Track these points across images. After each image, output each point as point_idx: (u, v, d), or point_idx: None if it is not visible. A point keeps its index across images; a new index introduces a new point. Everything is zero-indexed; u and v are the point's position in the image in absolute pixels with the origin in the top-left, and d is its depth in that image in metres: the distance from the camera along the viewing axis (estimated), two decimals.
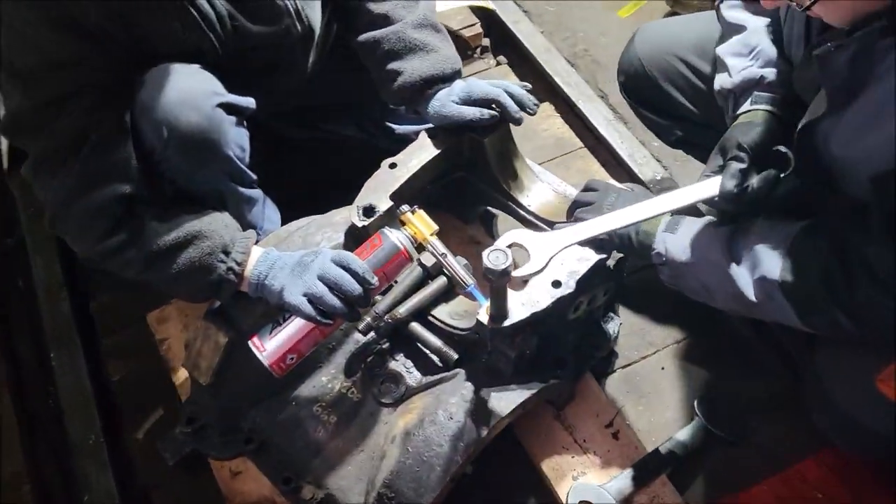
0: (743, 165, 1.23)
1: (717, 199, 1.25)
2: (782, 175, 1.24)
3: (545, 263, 1.26)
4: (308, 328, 1.33)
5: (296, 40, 1.51)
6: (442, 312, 1.48)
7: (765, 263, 1.23)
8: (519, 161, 1.66)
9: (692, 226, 1.34)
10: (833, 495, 1.49)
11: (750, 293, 1.25)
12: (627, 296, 1.76)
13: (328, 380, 1.49)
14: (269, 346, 1.32)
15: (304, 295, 1.29)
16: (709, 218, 1.38)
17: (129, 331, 1.84)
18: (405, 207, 1.45)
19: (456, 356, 1.43)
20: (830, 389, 1.27)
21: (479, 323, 1.33)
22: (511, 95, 1.52)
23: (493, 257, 1.19)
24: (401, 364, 1.48)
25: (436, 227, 1.43)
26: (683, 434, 1.55)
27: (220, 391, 1.48)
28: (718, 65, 1.44)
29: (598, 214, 1.42)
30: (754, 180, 1.23)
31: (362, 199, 1.50)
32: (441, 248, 1.42)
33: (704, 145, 1.63)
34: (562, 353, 1.50)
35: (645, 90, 1.67)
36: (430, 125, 1.60)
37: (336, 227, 1.53)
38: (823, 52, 1.11)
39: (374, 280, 1.33)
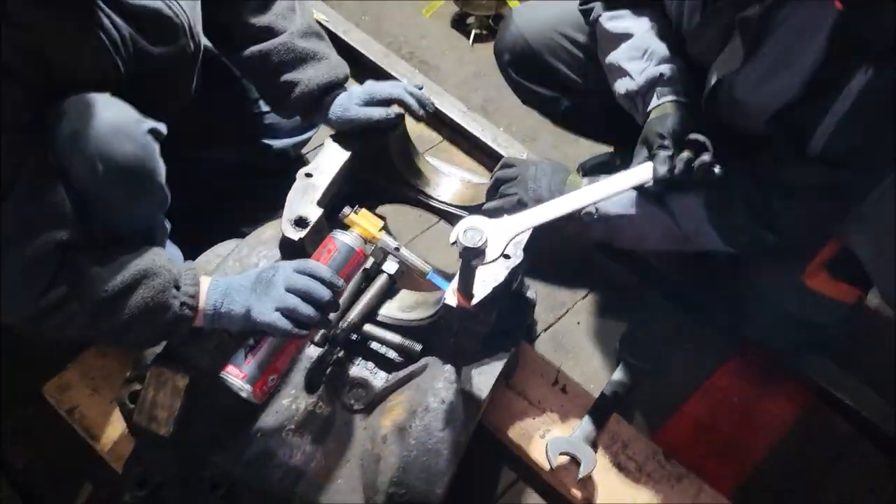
0: (669, 152, 1.38)
1: (650, 183, 1.39)
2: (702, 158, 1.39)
3: (503, 248, 1.33)
4: (284, 344, 1.29)
5: (189, 60, 1.44)
6: (391, 310, 1.49)
7: (690, 204, 1.42)
8: (419, 158, 1.72)
9: (614, 179, 1.49)
10: (744, 395, 1.73)
11: (683, 231, 1.44)
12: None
13: (290, 401, 1.43)
14: (249, 371, 1.26)
15: (277, 310, 1.24)
16: (627, 171, 1.55)
17: (23, 409, 1.62)
18: (347, 210, 1.45)
19: (420, 347, 1.45)
20: (763, 298, 1.51)
21: (446, 307, 1.37)
22: (411, 94, 1.59)
23: (470, 235, 1.23)
24: (362, 368, 1.47)
25: (381, 223, 1.44)
26: (617, 375, 1.71)
27: (181, 440, 1.37)
28: (615, 71, 1.56)
29: (524, 188, 1.52)
30: (679, 163, 1.38)
31: (291, 211, 1.47)
32: (392, 242, 1.44)
33: (588, 113, 1.82)
34: (504, 325, 1.58)
35: (532, 66, 1.80)
36: (332, 132, 1.61)
37: (268, 245, 1.48)
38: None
39: (341, 282, 1.33)
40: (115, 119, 1.18)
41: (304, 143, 1.94)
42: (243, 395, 1.26)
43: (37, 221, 1.13)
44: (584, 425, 1.58)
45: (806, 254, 1.48)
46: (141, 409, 1.35)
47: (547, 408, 1.62)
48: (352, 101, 1.57)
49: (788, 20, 1.24)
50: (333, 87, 1.58)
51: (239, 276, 1.32)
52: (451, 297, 1.36)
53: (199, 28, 1.43)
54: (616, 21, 1.58)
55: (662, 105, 1.46)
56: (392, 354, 1.47)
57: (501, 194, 1.54)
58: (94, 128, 1.16)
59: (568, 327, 1.83)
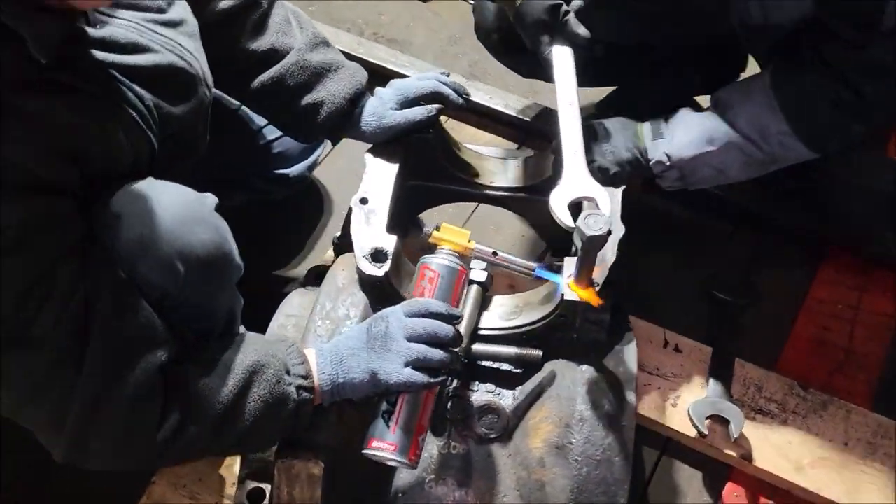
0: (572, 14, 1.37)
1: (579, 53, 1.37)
2: None
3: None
4: (424, 397, 1.15)
5: (206, 111, 1.25)
6: (493, 320, 1.36)
7: (770, 121, 1.33)
8: (461, 148, 1.56)
9: (679, 124, 1.39)
10: (847, 301, 1.67)
11: (766, 152, 1.36)
12: None
13: None
14: (397, 441, 1.11)
15: (407, 365, 1.10)
16: (685, 111, 1.44)
17: None
18: (428, 228, 1.29)
19: (540, 352, 1.32)
20: (851, 189, 1.44)
21: (566, 303, 1.25)
22: (443, 84, 1.43)
23: (592, 222, 1.11)
24: (483, 392, 1.33)
25: (468, 233, 1.29)
26: (720, 319, 1.62)
27: None
28: None
29: (600, 152, 1.39)
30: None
31: (361, 246, 1.30)
32: (487, 248, 1.29)
33: (595, 64, 1.71)
34: None
35: (518, 38, 1.61)
36: (369, 146, 1.44)
37: (349, 290, 1.32)
38: None
39: (459, 311, 1.19)
40: (179, 208, 1.01)
41: (318, 162, 1.76)
42: (397, 464, 1.12)
43: (130, 353, 0.95)
44: (714, 381, 1.49)
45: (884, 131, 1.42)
46: None
47: (667, 373, 1.53)
48: (385, 107, 1.40)
49: None
50: (360, 97, 1.41)
51: (344, 337, 1.16)
52: (570, 292, 1.24)
53: (209, 73, 1.24)
54: None
55: None
56: (509, 368, 1.34)
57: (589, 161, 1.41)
58: (160, 225, 0.98)
59: (645, 282, 1.72)
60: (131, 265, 0.98)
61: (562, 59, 1.38)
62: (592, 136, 1.40)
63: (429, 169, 1.51)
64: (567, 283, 1.24)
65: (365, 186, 1.38)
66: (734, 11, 1.38)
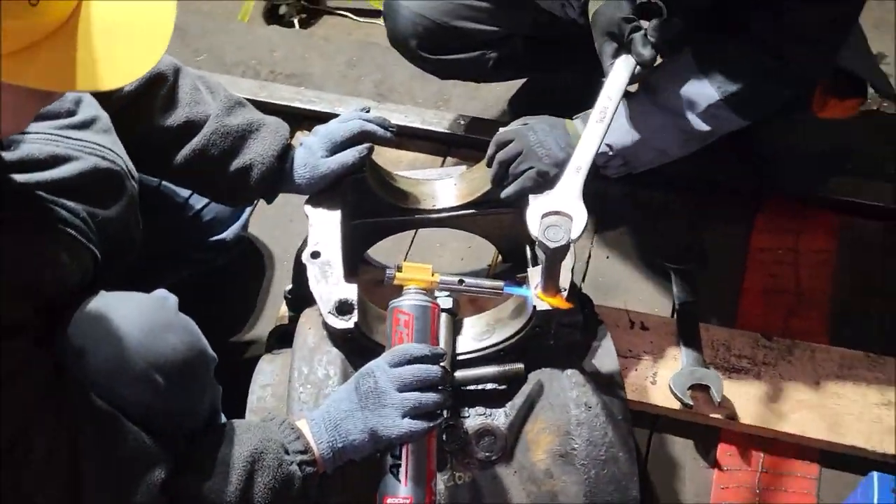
0: (641, 32, 1.31)
1: (639, 71, 1.32)
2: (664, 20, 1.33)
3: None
4: (426, 443, 1.14)
5: (136, 203, 1.20)
6: (468, 344, 1.36)
7: (700, 96, 1.37)
8: (395, 178, 1.55)
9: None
10: (786, 245, 1.74)
11: (702, 126, 1.39)
12: None
13: None
14: (412, 492, 1.09)
15: (405, 416, 1.09)
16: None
17: None
18: (390, 272, 1.27)
19: (522, 365, 1.33)
20: (782, 149, 1.51)
21: (539, 314, 1.26)
22: (367, 121, 1.41)
23: (552, 233, 1.12)
24: (475, 417, 1.33)
25: (429, 266, 1.29)
26: (676, 287, 1.67)
27: None
28: None
29: (535, 157, 1.40)
30: (656, 34, 1.31)
31: (325, 302, 1.28)
32: (452, 277, 1.29)
33: (516, 57, 1.72)
34: None
35: (442, 39, 1.68)
36: (306, 197, 1.41)
37: (321, 349, 1.29)
38: None
39: (441, 349, 1.18)
40: (142, 319, 0.97)
41: (248, 219, 1.71)
42: None
43: (128, 481, 0.91)
44: (686, 350, 1.54)
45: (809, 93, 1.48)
46: None
47: (639, 353, 1.57)
48: (316, 156, 1.37)
49: None
50: (287, 152, 1.37)
51: (333, 400, 1.14)
52: (541, 302, 1.25)
53: (130, 163, 1.18)
54: None
55: None
56: (494, 386, 1.34)
57: (514, 174, 1.41)
58: (127, 342, 0.94)
59: (600, 267, 1.76)
60: (107, 390, 0.93)
61: (620, 70, 1.32)
62: (523, 142, 1.42)
63: (369, 206, 1.49)
64: (536, 294, 1.25)
65: (313, 239, 1.35)
66: None
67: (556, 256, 1.14)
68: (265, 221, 1.86)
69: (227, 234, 1.63)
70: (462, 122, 1.94)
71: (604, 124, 1.25)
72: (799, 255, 1.73)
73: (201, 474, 0.99)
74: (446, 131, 1.94)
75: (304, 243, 1.49)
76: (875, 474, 1.13)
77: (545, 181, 1.40)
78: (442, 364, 1.16)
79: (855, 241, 1.75)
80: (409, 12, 1.68)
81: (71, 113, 1.09)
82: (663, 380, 1.51)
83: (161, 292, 1.04)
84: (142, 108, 1.28)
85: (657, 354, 1.56)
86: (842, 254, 1.73)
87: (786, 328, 1.61)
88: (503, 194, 1.43)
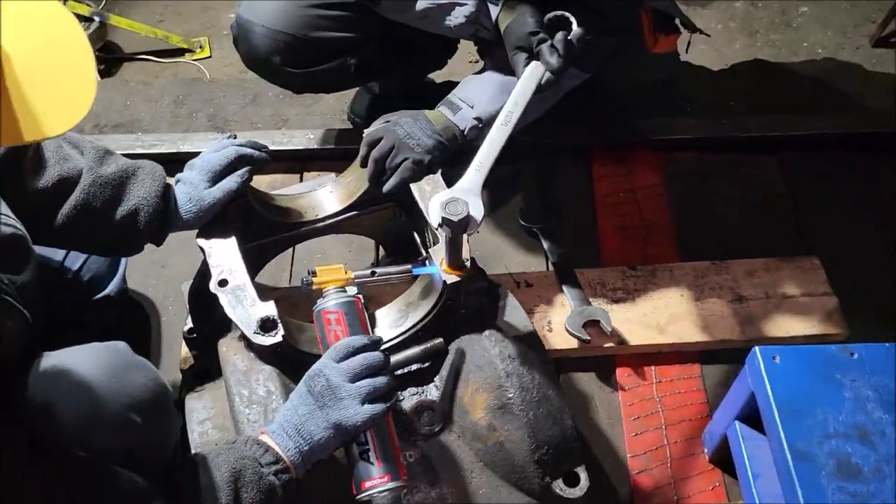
0: (549, 42, 1.41)
1: (549, 79, 1.42)
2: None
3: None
4: (387, 424, 1.20)
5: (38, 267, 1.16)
6: (385, 331, 1.43)
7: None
8: (273, 197, 1.58)
9: (472, 90, 1.55)
10: (623, 186, 1.98)
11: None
12: None
13: None
14: (387, 470, 1.15)
15: (363, 402, 1.15)
16: (467, 79, 1.62)
17: None
18: (306, 278, 1.31)
19: (440, 339, 1.42)
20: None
21: (450, 286, 1.36)
22: (241, 146, 1.44)
23: (452, 208, 1.22)
24: (409, 397, 1.41)
25: (341, 264, 1.34)
26: (545, 243, 1.84)
27: None
28: (445, 7, 1.55)
29: (407, 149, 1.50)
30: (561, 46, 1.41)
31: (246, 323, 1.30)
32: (364, 271, 1.35)
33: (372, 61, 1.80)
34: None
35: (304, 50, 1.72)
36: (195, 231, 1.42)
37: (253, 370, 1.31)
38: None
39: (377, 335, 1.25)
40: (103, 365, 0.96)
41: (125, 271, 1.67)
42: (398, 493, 1.17)
43: None
44: (570, 294, 1.71)
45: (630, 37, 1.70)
46: None
47: (530, 307, 1.71)
48: (199, 189, 1.38)
49: None
50: (168, 190, 1.37)
51: (288, 408, 1.17)
52: (450, 276, 1.35)
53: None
54: None
55: (507, 9, 1.49)
56: (420, 365, 1.43)
57: (391, 167, 1.50)
58: (96, 391, 0.93)
59: (475, 241, 1.86)
60: (85, 440, 0.92)
61: (528, 77, 1.41)
62: (392, 137, 1.51)
63: (255, 229, 1.52)
64: (443, 270, 1.36)
65: (216, 269, 1.37)
66: None
67: (457, 229, 1.25)
68: (136, 272, 1.81)
69: (110, 289, 1.59)
70: (311, 137, 2.00)
71: (508, 127, 1.34)
72: (636, 193, 1.96)
73: (186, 500, 1.00)
74: (298, 148, 1.98)
75: (198, 278, 1.51)
76: (756, 348, 1.34)
77: (420, 168, 1.51)
78: (382, 349, 1.24)
79: (677, 171, 2.02)
80: (266, 30, 1.71)
81: None
82: (558, 325, 1.68)
83: (108, 342, 1.03)
84: (13, 174, 1.24)
85: (546, 305, 1.72)
86: (669, 184, 1.99)
87: (644, 256, 1.84)
88: (385, 188, 1.51)
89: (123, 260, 1.65)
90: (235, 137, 1.49)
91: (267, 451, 1.12)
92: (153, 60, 2.68)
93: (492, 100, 1.54)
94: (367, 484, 1.16)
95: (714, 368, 1.70)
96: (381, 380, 1.18)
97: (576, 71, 1.56)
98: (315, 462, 1.17)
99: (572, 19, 1.43)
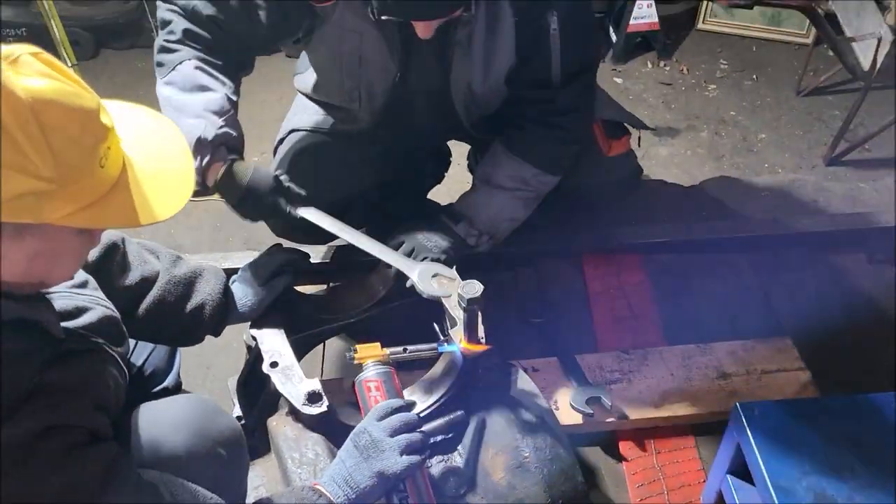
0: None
1: None
2: None
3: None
4: (422, 475, 1.39)
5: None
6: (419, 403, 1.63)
7: (522, 171, 1.85)
8: (308, 297, 1.83)
9: (472, 207, 1.86)
10: (612, 283, 2.23)
11: (532, 192, 1.88)
12: None
13: None
14: None
15: (402, 453, 1.34)
16: (466, 195, 1.91)
17: None
18: (350, 355, 1.53)
19: (461, 412, 1.62)
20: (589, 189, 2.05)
21: (471, 360, 1.58)
22: (286, 252, 1.71)
23: (469, 288, 1.47)
24: (436, 465, 1.59)
25: (378, 344, 1.56)
26: (549, 335, 2.07)
27: None
28: (193, 116, 1.62)
29: (427, 251, 1.76)
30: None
31: (296, 398, 1.51)
32: (398, 349, 1.57)
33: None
34: None
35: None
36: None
37: (301, 437, 1.51)
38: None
39: (412, 400, 1.46)
40: (194, 411, 1.17)
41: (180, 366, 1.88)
42: None
43: None
44: (573, 376, 1.91)
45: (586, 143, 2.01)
46: None
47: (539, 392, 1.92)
48: (253, 287, 1.63)
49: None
50: (227, 289, 1.62)
51: (336, 463, 1.35)
52: (470, 349, 1.57)
53: None
54: (202, 75, 1.67)
55: (239, 162, 1.68)
56: (443, 436, 1.62)
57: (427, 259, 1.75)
58: (195, 429, 1.14)
59: None
60: (184, 471, 1.11)
61: (313, 214, 1.71)
62: (413, 241, 1.77)
63: (297, 324, 1.76)
64: (463, 346, 1.58)
65: (268, 354, 1.59)
66: (461, 112, 1.88)
67: (474, 307, 1.48)
68: (186, 374, 2.00)
69: (168, 381, 1.79)
70: (331, 252, 2.26)
71: (359, 234, 1.73)
72: (624, 289, 2.21)
73: None
74: (325, 261, 2.24)
75: (246, 369, 1.73)
76: (737, 403, 1.54)
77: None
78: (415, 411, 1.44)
79: (658, 269, 2.28)
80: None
81: (71, 276, 1.29)
82: (564, 403, 1.87)
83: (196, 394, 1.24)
84: (105, 274, 1.48)
85: (552, 387, 1.92)
86: (653, 280, 2.25)
87: (634, 342, 2.06)
88: (408, 284, 1.75)
89: (178, 357, 1.87)
90: (281, 246, 1.76)
91: (321, 496, 1.30)
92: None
93: (485, 212, 1.86)
94: None
95: (706, 438, 1.88)
96: (416, 435, 1.37)
97: (549, 177, 1.87)
98: None
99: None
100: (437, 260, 1.75)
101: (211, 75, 1.68)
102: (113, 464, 1.04)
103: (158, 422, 1.15)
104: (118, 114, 1.06)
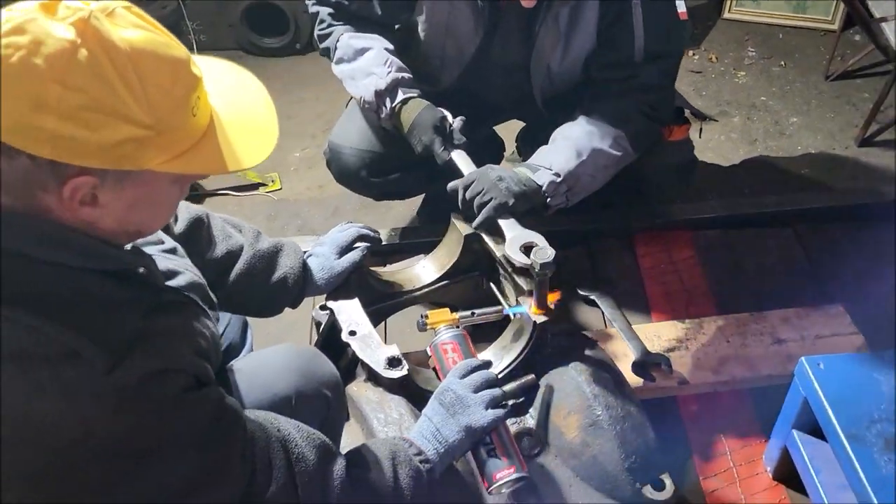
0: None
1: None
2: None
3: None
4: (505, 428, 1.44)
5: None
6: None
7: (608, 132, 1.88)
8: (379, 273, 1.89)
9: (548, 155, 1.87)
10: (665, 259, 2.29)
11: (614, 152, 1.89)
12: None
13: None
14: (513, 462, 1.38)
15: (486, 408, 1.40)
16: (542, 148, 1.93)
17: None
18: (420, 321, 1.59)
19: (532, 376, 1.67)
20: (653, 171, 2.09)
21: (540, 326, 1.64)
22: (360, 228, 1.78)
23: (541, 254, 1.53)
24: (510, 426, 1.64)
25: (447, 309, 1.62)
26: (604, 307, 2.12)
27: None
28: (360, 76, 1.93)
29: (496, 190, 1.75)
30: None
31: (376, 363, 1.57)
32: (467, 312, 1.63)
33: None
34: None
35: (384, 164, 2.13)
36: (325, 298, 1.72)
37: (383, 401, 1.56)
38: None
39: (488, 359, 1.53)
40: (298, 358, 1.24)
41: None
42: (524, 481, 1.39)
43: (327, 469, 1.16)
44: (632, 345, 1.96)
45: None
46: None
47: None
48: (330, 260, 1.70)
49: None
50: (305, 263, 1.69)
51: (424, 419, 1.41)
52: (539, 316, 1.63)
53: None
54: (357, 40, 1.96)
55: (412, 99, 1.89)
56: (515, 401, 1.67)
57: (479, 205, 1.75)
58: (301, 372, 1.19)
59: None
60: (294, 413, 1.18)
61: (462, 157, 1.82)
62: (485, 180, 1.77)
63: (367, 297, 1.82)
64: (532, 312, 1.64)
65: (346, 324, 1.65)
66: (537, 89, 1.95)
67: (544, 273, 1.54)
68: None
69: (242, 354, 1.86)
70: (392, 234, 2.33)
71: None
72: (675, 265, 2.27)
73: (363, 468, 1.24)
74: (393, 241, 2.31)
75: (321, 340, 1.79)
76: (803, 358, 1.59)
77: (505, 209, 1.74)
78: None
79: (707, 245, 2.34)
80: (353, 150, 2.10)
81: (161, 242, 1.35)
82: (625, 371, 1.91)
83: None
84: (190, 247, 1.55)
85: (613, 356, 1.95)
86: (701, 256, 2.30)
87: (688, 315, 2.11)
88: (474, 224, 1.75)
89: (250, 333, 1.94)
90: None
91: (411, 445, 1.36)
92: (232, 194, 3.08)
93: (568, 160, 1.83)
94: (498, 475, 1.38)
95: (764, 401, 1.93)
96: (497, 390, 1.43)
97: (630, 151, 1.91)
98: (448, 463, 1.40)
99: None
100: (505, 204, 1.73)
101: (364, 38, 1.95)
102: (220, 404, 1.10)
103: (264, 368, 1.21)
104: (204, 66, 1.09)
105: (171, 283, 1.26)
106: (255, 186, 3.11)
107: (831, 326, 2.02)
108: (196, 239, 1.57)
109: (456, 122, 1.87)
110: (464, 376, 1.44)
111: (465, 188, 1.78)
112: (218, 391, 1.12)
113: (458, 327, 1.61)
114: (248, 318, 1.83)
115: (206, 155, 1.05)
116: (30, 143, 0.89)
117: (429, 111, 1.88)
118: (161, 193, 1.07)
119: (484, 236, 1.79)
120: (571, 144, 1.86)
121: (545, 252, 1.53)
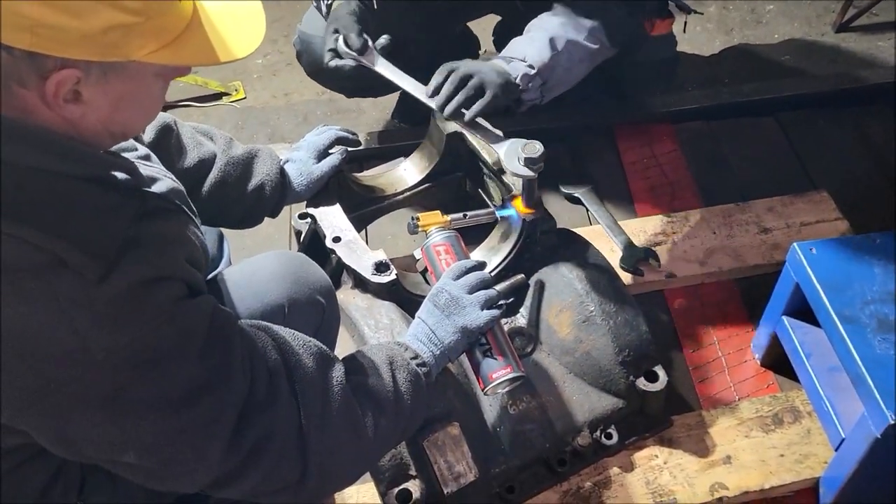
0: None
1: None
2: None
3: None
4: (500, 328, 1.42)
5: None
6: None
7: (584, 23, 1.79)
8: (359, 178, 1.83)
9: (520, 46, 1.76)
10: (646, 154, 2.24)
11: (591, 45, 1.80)
12: None
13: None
14: (509, 362, 1.36)
15: (481, 308, 1.37)
16: (514, 40, 1.81)
17: None
18: (412, 223, 1.54)
19: (522, 275, 1.65)
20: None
21: (529, 223, 1.61)
22: (338, 131, 1.70)
23: (530, 148, 1.48)
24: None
25: (438, 211, 1.57)
26: (588, 203, 2.09)
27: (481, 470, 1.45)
28: None
29: (484, 75, 1.62)
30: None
31: (362, 267, 1.53)
32: (458, 214, 1.59)
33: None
34: None
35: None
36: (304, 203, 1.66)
37: (373, 306, 1.53)
38: None
39: (482, 260, 1.48)
40: (289, 264, 1.18)
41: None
42: (520, 380, 1.38)
43: (326, 374, 1.12)
44: (618, 241, 1.95)
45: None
46: (445, 480, 1.39)
47: None
48: (307, 165, 1.62)
49: None
50: (283, 168, 1.61)
51: (418, 321, 1.37)
52: (528, 213, 1.59)
53: None
54: None
55: None
56: (506, 301, 1.65)
57: (462, 80, 1.59)
58: (293, 279, 1.14)
59: None
60: (287, 320, 1.13)
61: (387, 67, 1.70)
62: (469, 66, 1.63)
63: (348, 202, 1.76)
64: (521, 209, 1.59)
65: (329, 230, 1.60)
66: None
67: (534, 167, 1.48)
68: None
69: (221, 268, 1.79)
70: (369, 138, 2.25)
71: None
72: (658, 158, 2.23)
73: (361, 375, 1.21)
74: (371, 146, 2.23)
75: (302, 248, 1.73)
76: (795, 243, 1.58)
77: (490, 101, 1.60)
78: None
79: (689, 137, 2.30)
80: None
81: (135, 149, 1.27)
82: (613, 265, 1.90)
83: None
84: (162, 157, 1.47)
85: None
86: (684, 148, 2.26)
87: (672, 208, 2.09)
88: (467, 117, 1.59)
89: (226, 245, 1.87)
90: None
91: (407, 349, 1.33)
92: (195, 105, 2.94)
93: (541, 51, 1.73)
94: (494, 375, 1.36)
95: (750, 291, 1.93)
96: (492, 291, 1.39)
97: (608, 45, 1.82)
98: (443, 365, 1.38)
99: None
100: (495, 96, 1.60)
101: None
102: (216, 313, 1.05)
103: (256, 276, 1.16)
104: None
105: (156, 187, 1.18)
106: (218, 96, 2.96)
107: (816, 213, 2.01)
108: (165, 147, 1.48)
109: (380, 41, 1.73)
110: (458, 277, 1.40)
111: (446, 75, 1.63)
112: (212, 300, 1.07)
113: (449, 229, 1.56)
114: (225, 231, 1.76)
115: (194, 45, 0.97)
116: (8, 32, 0.81)
117: (344, 7, 1.72)
118: (146, 89, 0.99)
119: (466, 134, 1.72)
120: (545, 35, 1.76)
121: (533, 147, 1.48)
